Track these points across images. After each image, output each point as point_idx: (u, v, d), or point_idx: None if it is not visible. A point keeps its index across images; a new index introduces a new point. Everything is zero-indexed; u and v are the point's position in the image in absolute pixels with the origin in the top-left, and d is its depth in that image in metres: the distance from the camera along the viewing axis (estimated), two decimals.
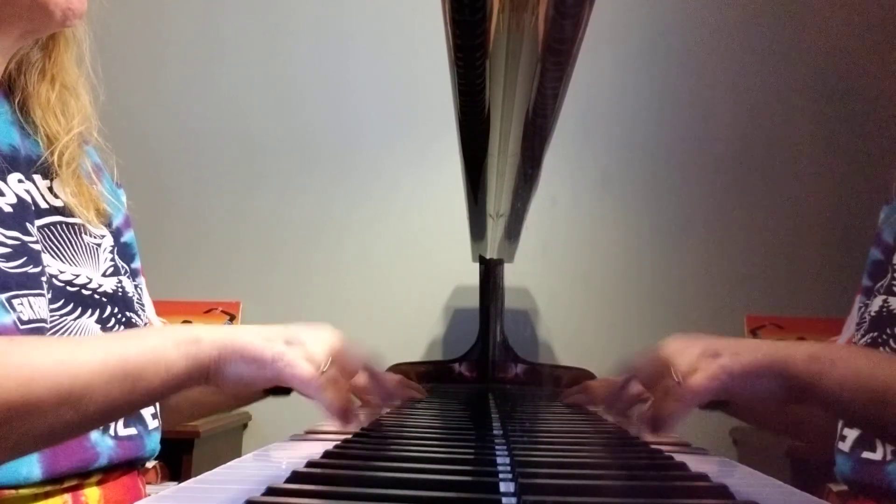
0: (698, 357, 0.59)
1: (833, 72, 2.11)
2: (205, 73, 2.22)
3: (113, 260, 0.77)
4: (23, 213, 0.67)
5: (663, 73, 2.15)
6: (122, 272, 0.78)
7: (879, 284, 0.81)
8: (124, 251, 0.82)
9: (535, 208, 1.15)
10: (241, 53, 2.21)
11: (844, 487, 0.79)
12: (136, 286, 0.81)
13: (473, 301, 1.73)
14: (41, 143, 0.74)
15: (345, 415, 0.59)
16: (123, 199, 0.87)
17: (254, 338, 0.61)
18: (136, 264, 0.85)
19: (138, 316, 0.78)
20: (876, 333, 0.77)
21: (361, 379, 0.68)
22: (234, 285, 2.10)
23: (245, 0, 2.24)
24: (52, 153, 0.73)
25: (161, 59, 2.21)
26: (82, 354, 0.53)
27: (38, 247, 0.67)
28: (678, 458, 0.56)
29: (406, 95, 2.17)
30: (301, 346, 0.62)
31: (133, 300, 0.78)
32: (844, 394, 0.55)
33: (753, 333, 2.01)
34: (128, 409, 0.60)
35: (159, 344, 0.58)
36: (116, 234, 0.81)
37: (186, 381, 0.59)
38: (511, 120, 0.63)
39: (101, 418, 0.58)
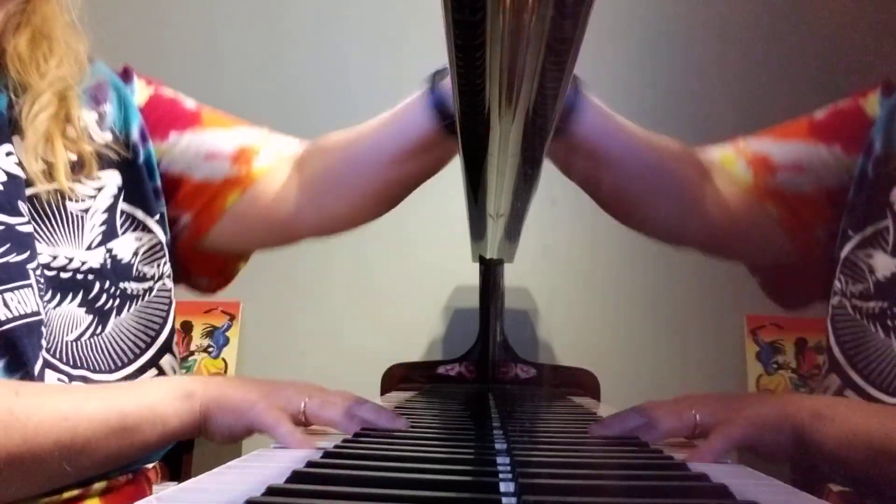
0: (721, 408, 0.64)
1: (834, 72, 2.11)
2: (205, 73, 2.21)
3: (105, 223, 0.72)
4: (14, 189, 0.63)
5: (664, 73, 2.15)
6: (121, 230, 0.74)
7: (882, 236, 0.74)
8: (140, 178, 0.77)
9: (535, 208, 1.15)
10: (241, 54, 2.21)
11: (844, 488, 0.79)
12: (158, 219, 0.79)
13: (473, 301, 1.73)
14: (12, 100, 0.68)
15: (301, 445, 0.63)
16: (137, 92, 0.83)
17: (236, 391, 0.65)
18: (157, 182, 0.81)
19: (138, 280, 0.75)
20: (886, 304, 0.72)
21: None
22: (234, 285, 2.09)
23: (245, 1, 2.24)
24: (19, 110, 0.67)
25: (161, 60, 2.21)
26: (85, 409, 0.55)
27: (27, 228, 0.63)
28: (678, 458, 0.56)
29: (406, 96, 2.16)
30: (275, 397, 0.66)
31: (131, 266, 0.74)
32: (842, 451, 0.57)
33: (753, 333, 2.01)
34: (123, 461, 0.61)
35: (157, 400, 0.61)
36: (135, 154, 0.77)
37: (180, 435, 0.63)
38: (511, 120, 0.62)
39: (97, 470, 0.60)
